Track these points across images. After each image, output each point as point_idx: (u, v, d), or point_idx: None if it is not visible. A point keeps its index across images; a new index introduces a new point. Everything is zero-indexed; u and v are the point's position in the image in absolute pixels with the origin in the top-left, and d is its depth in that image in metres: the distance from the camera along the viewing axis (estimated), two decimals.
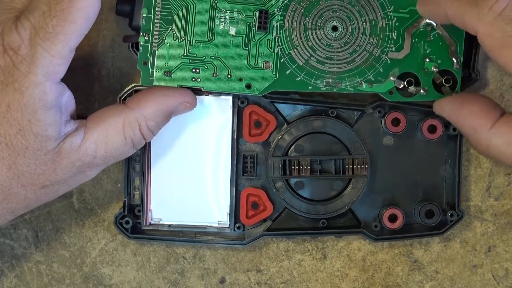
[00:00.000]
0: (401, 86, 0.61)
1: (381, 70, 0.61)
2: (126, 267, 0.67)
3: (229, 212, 0.65)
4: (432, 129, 0.64)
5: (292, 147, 0.65)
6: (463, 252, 0.68)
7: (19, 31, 0.52)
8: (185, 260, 0.67)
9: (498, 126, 0.56)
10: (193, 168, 0.65)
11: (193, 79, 0.61)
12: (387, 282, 0.67)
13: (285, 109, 0.65)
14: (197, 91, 0.62)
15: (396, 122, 0.64)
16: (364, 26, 0.60)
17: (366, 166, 0.64)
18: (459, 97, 0.60)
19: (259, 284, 0.68)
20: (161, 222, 0.65)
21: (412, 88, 0.61)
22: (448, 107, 0.60)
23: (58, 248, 0.67)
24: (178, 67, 0.61)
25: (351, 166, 0.64)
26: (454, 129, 0.64)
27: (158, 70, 0.61)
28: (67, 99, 0.56)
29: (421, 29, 0.60)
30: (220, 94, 0.63)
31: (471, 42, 0.62)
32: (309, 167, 0.64)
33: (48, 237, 0.67)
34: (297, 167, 0.64)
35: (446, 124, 0.64)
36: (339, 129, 0.64)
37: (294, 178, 0.65)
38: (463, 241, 0.68)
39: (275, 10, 0.59)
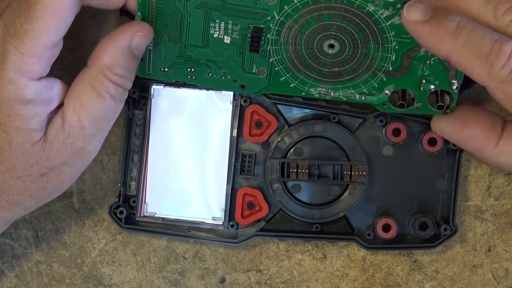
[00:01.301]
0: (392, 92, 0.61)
1: (376, 86, 0.60)
2: (126, 267, 0.68)
3: (224, 210, 0.65)
4: (432, 142, 0.64)
5: (292, 149, 0.65)
6: (463, 252, 0.68)
7: None
8: (185, 260, 0.68)
9: (502, 145, 0.56)
10: (191, 163, 0.65)
11: (189, 77, 0.61)
12: (387, 282, 0.68)
13: (287, 111, 0.65)
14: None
15: (396, 132, 0.64)
16: (362, 46, 0.59)
17: (364, 173, 0.64)
18: (457, 118, 0.59)
19: (259, 284, 0.68)
20: (155, 215, 0.65)
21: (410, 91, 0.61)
22: (448, 130, 0.60)
23: (58, 248, 0.68)
24: (174, 66, 0.61)
25: (349, 173, 0.64)
26: (454, 144, 0.64)
27: (154, 66, 0.61)
28: (58, 91, 0.56)
29: (421, 53, 0.59)
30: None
31: None
32: (307, 171, 0.64)
33: (48, 237, 0.67)
34: (295, 170, 0.64)
35: None
36: (339, 134, 0.64)
37: (291, 181, 0.65)
38: (463, 241, 0.67)
39: (271, 25, 0.58)
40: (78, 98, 0.55)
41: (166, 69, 0.61)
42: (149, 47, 0.60)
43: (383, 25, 0.58)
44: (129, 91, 0.58)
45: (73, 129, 0.55)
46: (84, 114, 0.55)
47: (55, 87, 0.55)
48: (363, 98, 0.61)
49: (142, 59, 0.60)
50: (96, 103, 0.55)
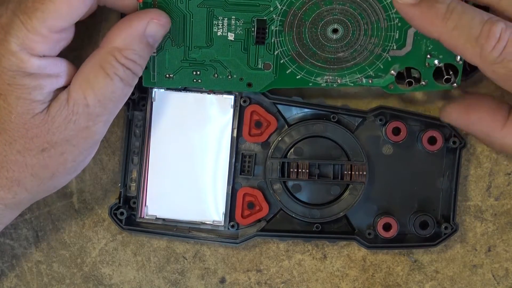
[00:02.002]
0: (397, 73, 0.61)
1: (382, 67, 0.61)
2: (126, 267, 0.68)
3: (224, 211, 0.65)
4: (432, 140, 0.64)
5: (292, 149, 0.65)
6: (463, 252, 0.68)
7: (8, 3, 0.53)
8: (185, 260, 0.68)
9: (508, 127, 0.58)
10: (191, 165, 0.65)
11: (194, 80, 0.61)
12: (387, 282, 0.68)
13: (286, 111, 0.65)
14: (199, 89, 0.63)
15: (396, 131, 0.64)
16: (366, 28, 0.59)
17: (365, 173, 0.64)
18: (463, 104, 0.60)
19: (259, 284, 0.68)
20: (155, 217, 0.65)
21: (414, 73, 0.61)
22: (455, 116, 0.60)
23: (58, 248, 0.68)
24: (179, 71, 0.61)
25: (350, 172, 0.64)
26: (454, 142, 0.64)
27: (159, 74, 0.61)
28: (65, 69, 0.55)
29: None
30: (222, 92, 0.63)
31: None
32: (307, 171, 0.64)
33: (48, 237, 0.67)
34: (295, 170, 0.64)
35: (446, 137, 0.64)
36: (339, 134, 0.64)
37: (292, 180, 0.65)
38: (463, 241, 0.67)
39: (274, 16, 0.58)
40: (85, 76, 0.55)
41: (171, 75, 0.61)
42: (153, 54, 0.60)
43: (385, 2, 0.58)
44: None
45: (78, 106, 0.55)
46: (90, 92, 0.55)
47: (62, 65, 0.55)
48: (370, 81, 0.61)
49: (146, 67, 0.60)
50: (103, 82, 0.55)
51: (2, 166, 0.56)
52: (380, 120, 0.65)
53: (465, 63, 0.61)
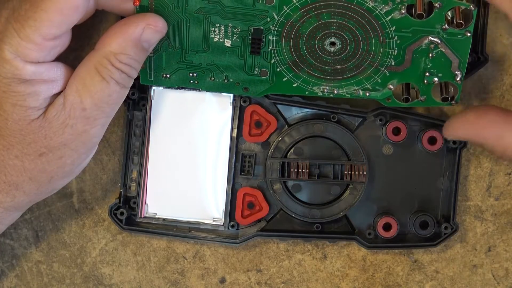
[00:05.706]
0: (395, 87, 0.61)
1: (379, 81, 0.60)
2: (126, 267, 0.68)
3: (224, 210, 0.65)
4: (432, 140, 0.64)
5: (292, 149, 0.65)
6: (463, 252, 0.68)
7: (1, 11, 0.53)
8: (185, 260, 0.68)
9: None
10: (191, 164, 0.65)
11: (191, 81, 0.61)
12: (387, 282, 0.68)
13: (286, 111, 0.65)
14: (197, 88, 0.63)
15: (396, 131, 0.64)
16: (364, 42, 0.59)
17: (365, 173, 0.64)
18: (471, 112, 0.58)
19: (259, 284, 0.68)
20: (155, 216, 0.65)
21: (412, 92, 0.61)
22: (463, 126, 0.58)
23: (58, 248, 0.68)
24: (175, 71, 0.61)
25: (350, 172, 0.64)
26: (454, 142, 0.64)
27: (156, 73, 0.61)
28: (62, 73, 0.55)
29: (423, 47, 0.58)
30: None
31: (478, 25, 0.62)
32: (307, 171, 0.64)
33: (48, 237, 0.67)
34: (295, 170, 0.64)
35: None
36: (339, 134, 0.64)
37: (292, 180, 0.65)
38: (463, 241, 0.67)
39: (271, 27, 0.58)
40: (81, 79, 0.55)
41: (168, 75, 0.61)
42: (150, 54, 0.60)
43: (383, 20, 0.57)
44: (129, 92, 0.58)
45: (74, 110, 0.55)
46: (86, 96, 0.55)
47: (59, 69, 0.55)
48: (367, 94, 0.61)
49: (143, 66, 0.60)
50: (99, 86, 0.55)
51: (0, 171, 0.56)
52: (380, 120, 0.65)
53: (469, 62, 0.61)
